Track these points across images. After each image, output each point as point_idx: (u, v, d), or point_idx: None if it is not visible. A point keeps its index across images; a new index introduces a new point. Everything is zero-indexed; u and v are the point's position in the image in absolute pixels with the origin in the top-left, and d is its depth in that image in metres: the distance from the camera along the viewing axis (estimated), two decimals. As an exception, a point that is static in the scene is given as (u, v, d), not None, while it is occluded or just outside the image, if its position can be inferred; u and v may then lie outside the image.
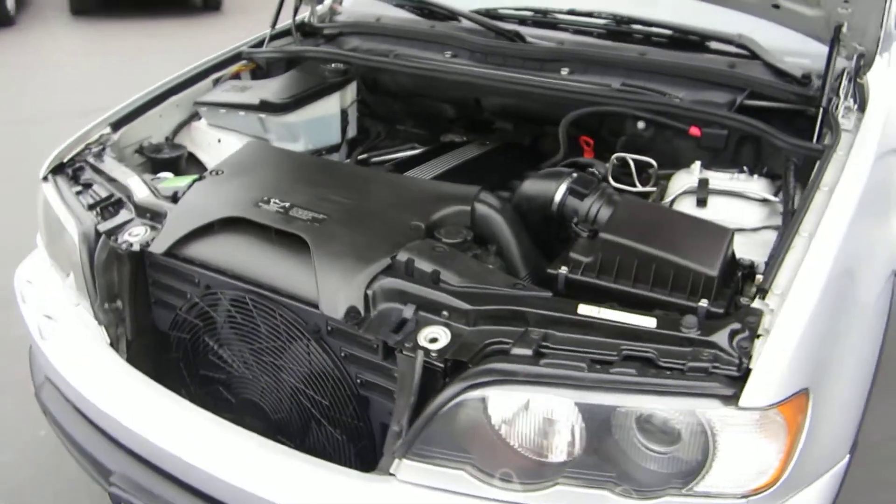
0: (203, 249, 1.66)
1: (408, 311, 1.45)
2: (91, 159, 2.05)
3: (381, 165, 2.31)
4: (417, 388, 1.35)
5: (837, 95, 1.91)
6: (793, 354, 1.30)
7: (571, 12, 2.33)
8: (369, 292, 1.47)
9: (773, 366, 1.28)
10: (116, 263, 1.75)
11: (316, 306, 1.50)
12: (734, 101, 2.01)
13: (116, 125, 2.19)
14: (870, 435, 1.78)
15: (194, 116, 2.40)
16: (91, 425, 1.74)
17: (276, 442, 1.54)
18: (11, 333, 2.23)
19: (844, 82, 1.92)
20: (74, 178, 2.01)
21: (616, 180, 2.00)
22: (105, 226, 1.78)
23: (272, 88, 2.26)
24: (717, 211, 1.77)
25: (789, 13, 1.91)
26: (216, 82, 2.45)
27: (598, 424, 1.32)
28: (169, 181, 1.91)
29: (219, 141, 2.32)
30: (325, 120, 2.27)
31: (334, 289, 1.48)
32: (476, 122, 2.46)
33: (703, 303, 1.45)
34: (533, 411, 1.35)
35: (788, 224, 1.59)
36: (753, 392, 1.25)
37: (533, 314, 1.40)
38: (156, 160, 2.17)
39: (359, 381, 1.52)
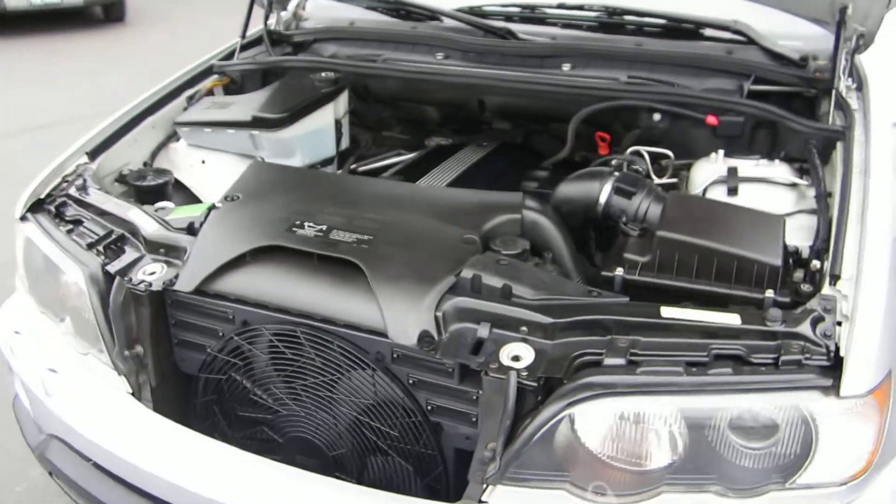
0: (237, 283, 1.53)
1: (483, 330, 1.38)
2: (74, 193, 1.88)
3: (378, 174, 2.22)
4: (513, 410, 1.28)
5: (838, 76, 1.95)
6: (880, 339, 1.31)
7: (562, 6, 2.29)
8: (439, 314, 1.39)
9: (865, 352, 1.27)
10: (134, 306, 1.60)
11: (380, 334, 1.41)
12: (742, 88, 2.02)
13: (93, 154, 2.02)
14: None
15: (171, 138, 2.24)
16: (121, 483, 1.59)
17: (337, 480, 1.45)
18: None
19: (844, 62, 1.96)
20: (59, 216, 1.84)
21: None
22: (114, 266, 1.63)
23: (260, 103, 2.14)
24: (749, 199, 1.77)
25: (790, -4, 1.93)
26: (190, 100, 2.29)
27: (698, 427, 1.30)
28: (177, 211, 1.76)
29: (203, 162, 2.18)
30: (320, 132, 2.16)
31: (401, 314, 1.39)
32: (467, 123, 2.39)
33: (770, 293, 1.45)
34: (630, 421, 1.31)
35: (831, 208, 1.60)
36: (852, 380, 1.25)
37: (614, 321, 1.36)
38: (141, 188, 2.00)
39: (429, 407, 1.44)
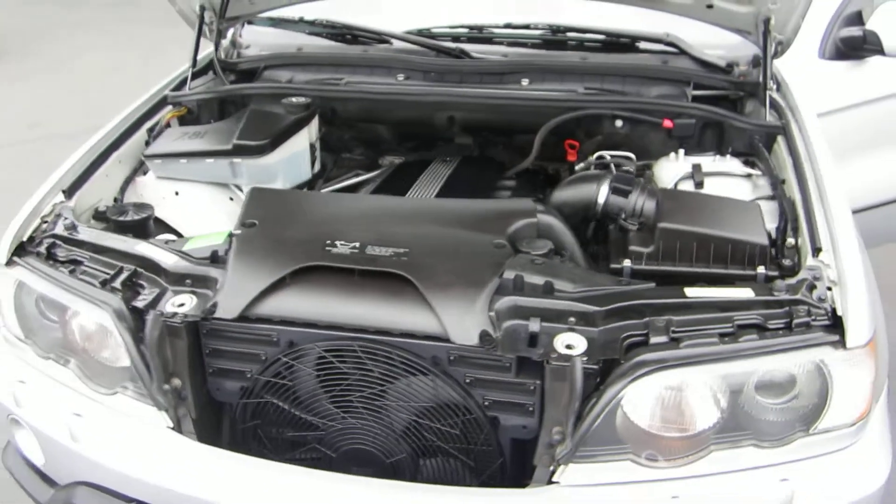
0: (280, 305, 1.56)
1: (534, 325, 1.49)
2: (62, 232, 1.81)
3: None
4: (580, 392, 1.41)
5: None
6: (867, 297, 1.54)
7: (509, 25, 2.45)
8: (492, 314, 1.50)
9: (860, 309, 1.50)
10: (169, 339, 1.59)
11: (435, 339, 1.49)
12: (685, 94, 2.26)
13: (69, 191, 1.95)
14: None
15: (137, 172, 2.20)
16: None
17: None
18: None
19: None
20: (50, 257, 1.77)
21: None
22: (142, 301, 1.61)
23: (235, 131, 2.13)
24: (712, 191, 1.99)
25: (722, 12, 2.19)
26: (150, 132, 2.25)
27: (737, 390, 1.48)
28: (192, 242, 1.75)
29: (176, 194, 2.15)
30: (297, 157, 2.18)
31: (458, 318, 1.48)
32: (427, 140, 2.50)
33: (761, 269, 1.67)
34: (676, 390, 1.48)
35: (787, 192, 1.85)
36: (854, 334, 1.47)
37: (646, 305, 1.52)
38: (125, 224, 1.95)
39: (486, 403, 1.54)
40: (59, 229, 1.82)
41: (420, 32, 2.51)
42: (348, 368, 1.55)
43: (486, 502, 1.48)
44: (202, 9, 2.42)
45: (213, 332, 1.61)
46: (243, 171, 2.12)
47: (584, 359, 1.42)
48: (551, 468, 1.48)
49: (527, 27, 2.45)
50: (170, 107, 2.34)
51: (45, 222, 1.86)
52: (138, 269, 1.68)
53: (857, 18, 2.88)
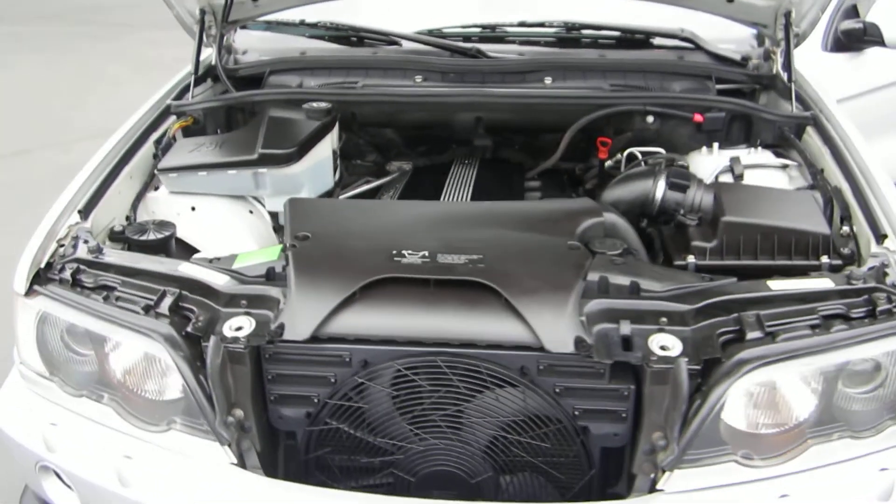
0: (353, 323, 1.46)
1: (625, 328, 1.43)
2: (86, 256, 1.66)
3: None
4: (687, 395, 1.36)
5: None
6: None
7: (523, 24, 2.40)
8: (582, 319, 1.44)
9: None
10: (231, 366, 1.47)
11: (524, 348, 1.42)
12: (708, 88, 2.25)
13: (85, 211, 1.80)
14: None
15: (147, 188, 2.05)
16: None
17: None
18: None
19: (781, 59, 2.26)
20: (76, 283, 1.62)
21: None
22: (194, 326, 1.48)
23: (259, 140, 2.00)
24: (752, 182, 1.98)
25: (743, 6, 2.19)
26: (157, 144, 2.11)
27: (832, 382, 1.45)
28: (240, 259, 1.63)
29: (192, 209, 2.02)
30: (322, 164, 2.08)
31: (550, 325, 1.42)
32: (441, 143, 2.42)
33: (825, 259, 1.66)
34: (771, 388, 1.44)
35: (830, 181, 1.85)
36: (936, 318, 1.47)
37: (732, 300, 1.48)
38: (147, 244, 1.81)
39: (575, 412, 1.47)
40: (82, 252, 1.67)
41: (430, 33, 2.43)
42: (433, 386, 1.46)
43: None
44: (203, 12, 2.29)
45: (277, 356, 1.49)
46: (267, 182, 2.00)
47: (686, 360, 1.38)
48: (652, 476, 1.43)
49: (541, 25, 2.40)
50: (174, 117, 2.20)
51: (62, 245, 1.71)
52: (182, 293, 1.55)
53: (854, 11, 2.96)
